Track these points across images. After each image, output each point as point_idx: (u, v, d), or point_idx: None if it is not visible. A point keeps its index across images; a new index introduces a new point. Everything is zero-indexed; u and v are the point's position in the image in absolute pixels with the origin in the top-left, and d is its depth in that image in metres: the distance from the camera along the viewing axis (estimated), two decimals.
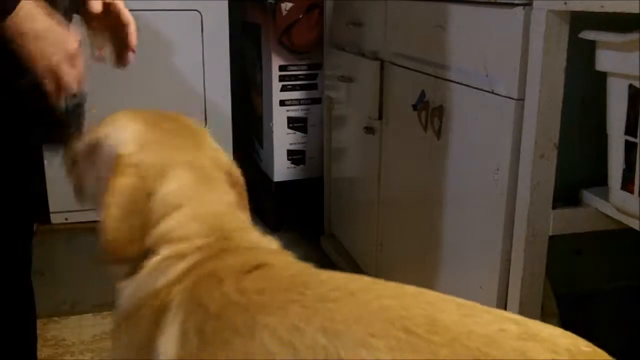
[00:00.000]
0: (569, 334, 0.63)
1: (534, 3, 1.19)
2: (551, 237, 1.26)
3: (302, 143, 2.59)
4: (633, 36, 1.06)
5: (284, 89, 2.53)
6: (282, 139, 2.57)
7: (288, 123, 2.56)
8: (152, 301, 0.80)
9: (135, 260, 0.85)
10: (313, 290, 0.67)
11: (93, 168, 0.93)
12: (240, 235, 0.87)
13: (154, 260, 0.83)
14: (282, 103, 2.54)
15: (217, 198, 0.89)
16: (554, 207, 1.25)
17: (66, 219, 2.44)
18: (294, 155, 2.60)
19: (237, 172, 0.96)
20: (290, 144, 2.59)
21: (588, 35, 1.16)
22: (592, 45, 1.16)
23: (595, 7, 1.08)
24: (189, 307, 0.75)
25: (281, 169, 2.60)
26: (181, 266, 0.81)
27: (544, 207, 1.25)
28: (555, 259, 1.29)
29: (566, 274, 1.45)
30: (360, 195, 2.10)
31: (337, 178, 2.38)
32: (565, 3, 1.13)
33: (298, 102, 2.55)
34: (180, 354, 0.73)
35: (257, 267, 0.77)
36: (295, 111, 2.56)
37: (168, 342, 0.74)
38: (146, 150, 0.87)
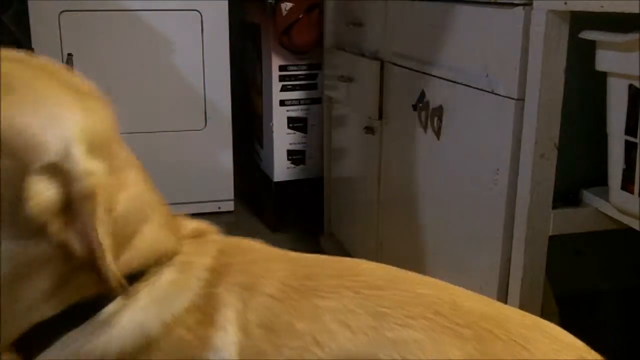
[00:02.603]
0: (578, 342, 0.72)
1: (534, 3, 1.19)
2: (551, 237, 1.26)
3: (302, 143, 2.59)
4: (633, 36, 1.06)
5: (284, 89, 2.53)
6: (282, 139, 2.57)
7: (288, 123, 2.56)
8: (189, 318, 0.74)
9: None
10: (362, 278, 0.77)
11: None
12: (206, 230, 0.85)
13: (161, 281, 0.75)
14: (282, 103, 2.54)
15: (156, 194, 0.81)
16: (554, 207, 1.25)
17: None
18: (294, 155, 2.60)
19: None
20: (290, 144, 2.59)
21: (588, 35, 1.16)
22: (592, 45, 1.16)
23: (595, 7, 1.08)
24: (244, 297, 0.75)
25: (281, 169, 2.60)
26: (201, 275, 0.77)
27: (544, 207, 1.24)
28: (555, 259, 1.29)
29: (566, 274, 1.45)
30: (360, 195, 2.10)
31: (337, 178, 2.38)
32: (565, 3, 1.13)
33: (298, 102, 2.55)
34: (243, 344, 0.73)
35: (286, 256, 0.84)
36: (295, 111, 2.56)
37: (226, 339, 0.73)
38: (95, 153, 0.71)
